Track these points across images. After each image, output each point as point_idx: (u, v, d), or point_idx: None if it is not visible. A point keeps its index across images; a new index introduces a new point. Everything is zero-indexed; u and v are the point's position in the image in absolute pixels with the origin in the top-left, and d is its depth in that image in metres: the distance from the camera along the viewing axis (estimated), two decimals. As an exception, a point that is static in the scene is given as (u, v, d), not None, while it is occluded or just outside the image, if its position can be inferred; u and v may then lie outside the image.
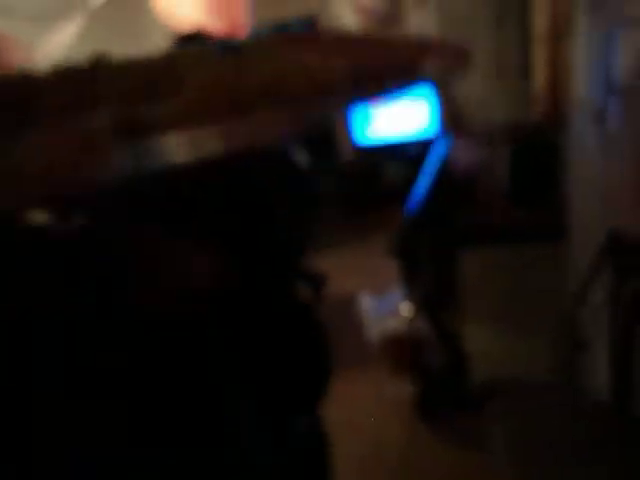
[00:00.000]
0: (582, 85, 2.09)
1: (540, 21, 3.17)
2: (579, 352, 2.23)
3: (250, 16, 1.07)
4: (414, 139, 3.91)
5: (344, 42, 0.77)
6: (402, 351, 2.35)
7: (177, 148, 0.53)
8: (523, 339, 2.60)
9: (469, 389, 2.21)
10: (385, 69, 0.63)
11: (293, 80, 0.58)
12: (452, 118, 3.50)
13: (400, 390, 2.33)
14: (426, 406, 2.25)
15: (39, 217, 0.66)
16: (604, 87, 1.82)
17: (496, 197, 3.38)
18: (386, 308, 2.57)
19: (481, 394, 2.19)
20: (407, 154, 3.70)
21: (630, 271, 1.47)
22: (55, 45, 3.31)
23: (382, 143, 4.02)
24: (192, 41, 0.96)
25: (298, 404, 0.93)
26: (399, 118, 3.82)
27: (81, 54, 0.66)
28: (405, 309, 2.32)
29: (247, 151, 0.58)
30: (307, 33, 0.97)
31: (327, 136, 3.90)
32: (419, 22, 3.71)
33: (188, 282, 0.76)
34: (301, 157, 1.04)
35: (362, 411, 2.37)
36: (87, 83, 0.60)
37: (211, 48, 0.73)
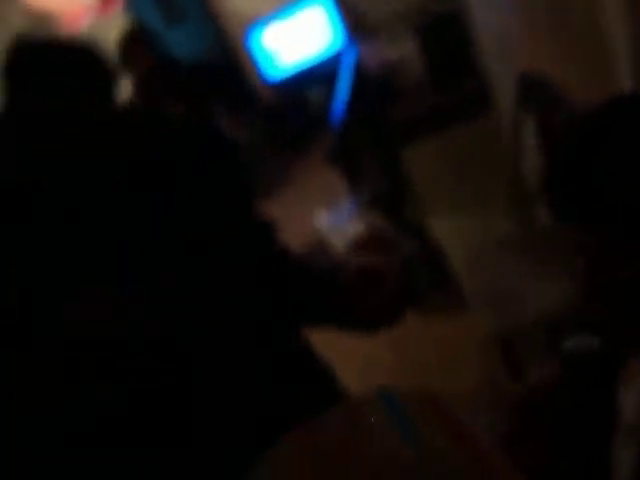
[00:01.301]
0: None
1: None
2: (534, 205, 2.34)
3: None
4: (324, 56, 3.86)
5: None
6: (371, 251, 2.43)
7: None
8: (481, 214, 2.69)
9: (443, 270, 2.31)
10: None
11: None
12: (354, 23, 3.47)
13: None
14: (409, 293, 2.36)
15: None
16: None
17: (416, 87, 3.39)
18: (344, 217, 2.61)
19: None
20: (323, 74, 3.67)
21: (550, 107, 1.53)
22: None
23: (297, 71, 3.97)
24: None
25: None
26: (304, 36, 3.75)
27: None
28: (361, 212, 2.38)
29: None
30: None
31: (238, 86, 3.82)
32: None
33: None
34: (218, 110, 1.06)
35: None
36: None
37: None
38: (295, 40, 3.75)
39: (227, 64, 3.86)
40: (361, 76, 2.61)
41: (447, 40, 3.42)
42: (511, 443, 1.05)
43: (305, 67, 3.80)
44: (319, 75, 3.64)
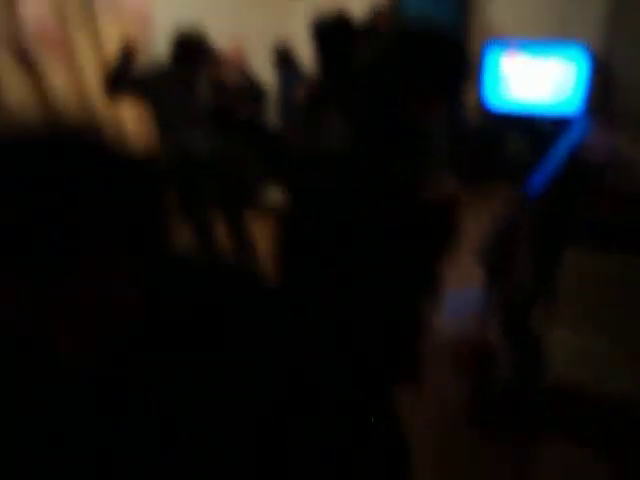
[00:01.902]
0: None
1: None
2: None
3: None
4: (551, 111, 3.51)
5: None
6: (467, 358, 2.19)
7: None
8: (613, 350, 2.35)
9: (534, 397, 2.03)
10: None
11: None
12: (602, 96, 3.09)
13: (456, 391, 2.20)
14: (478, 410, 2.11)
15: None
16: None
17: (629, 196, 2.99)
18: (463, 306, 2.37)
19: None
20: (539, 128, 3.34)
21: None
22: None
23: (514, 109, 3.66)
24: None
25: None
26: (540, 82, 3.42)
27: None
28: (484, 310, 2.12)
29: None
30: None
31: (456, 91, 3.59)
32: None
33: None
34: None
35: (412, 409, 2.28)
36: None
37: None
38: (531, 80, 3.44)
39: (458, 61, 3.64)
40: (578, 156, 2.30)
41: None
42: None
43: (526, 112, 3.49)
44: (535, 127, 3.33)
